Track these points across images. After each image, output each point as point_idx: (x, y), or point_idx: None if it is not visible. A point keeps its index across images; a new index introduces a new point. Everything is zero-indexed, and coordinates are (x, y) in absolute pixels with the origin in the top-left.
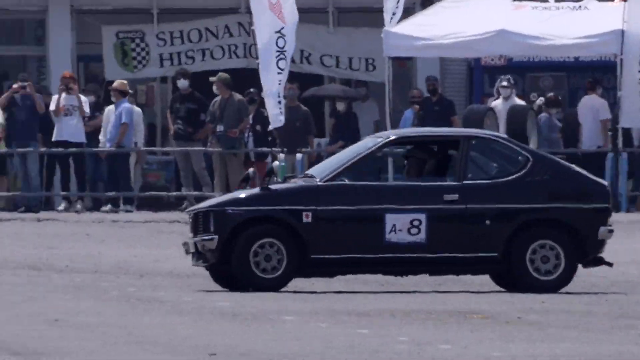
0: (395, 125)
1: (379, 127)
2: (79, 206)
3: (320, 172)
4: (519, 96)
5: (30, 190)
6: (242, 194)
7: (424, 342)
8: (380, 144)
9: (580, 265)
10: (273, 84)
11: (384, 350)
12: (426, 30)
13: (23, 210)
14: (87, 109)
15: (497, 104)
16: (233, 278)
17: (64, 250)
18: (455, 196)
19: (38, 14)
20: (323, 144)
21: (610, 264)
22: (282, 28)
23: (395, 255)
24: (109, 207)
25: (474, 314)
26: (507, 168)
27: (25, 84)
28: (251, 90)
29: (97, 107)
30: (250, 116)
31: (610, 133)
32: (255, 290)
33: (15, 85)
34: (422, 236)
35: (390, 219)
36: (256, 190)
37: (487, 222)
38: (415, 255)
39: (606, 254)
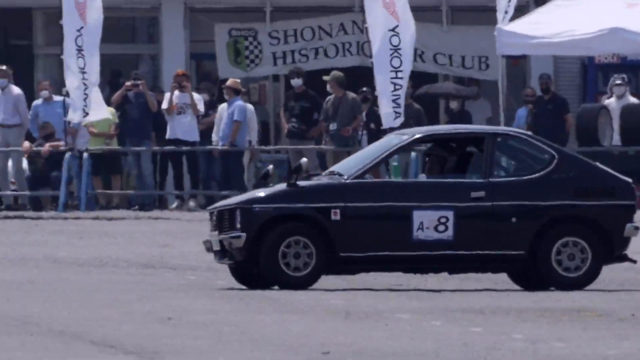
0: (508, 123)
1: (491, 124)
2: (192, 204)
3: (347, 169)
4: (633, 94)
5: (143, 188)
6: (269, 191)
7: (538, 340)
8: (406, 141)
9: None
10: (386, 82)
11: (498, 348)
12: (540, 28)
13: (136, 209)
14: (201, 107)
15: (610, 102)
16: (255, 276)
17: (177, 248)
18: (481, 193)
19: (151, 12)
20: None
21: (634, 261)
22: (396, 26)
23: (423, 253)
24: None
25: (587, 312)
26: (533, 165)
27: (138, 82)
28: (365, 88)
29: (211, 105)
30: (364, 114)
31: None
32: (282, 289)
33: (128, 84)
34: (449, 233)
35: (417, 216)
36: (283, 186)
37: (514, 219)
38: (442, 252)
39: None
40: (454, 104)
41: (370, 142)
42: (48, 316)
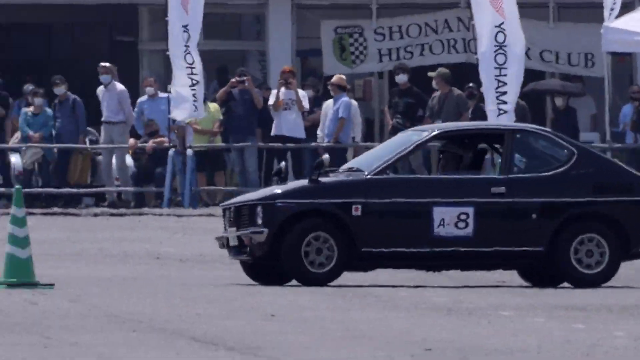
0: (613, 120)
1: (596, 121)
2: None
3: (367, 165)
4: None
5: (247, 185)
6: (291, 187)
7: None
8: (425, 137)
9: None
10: (491, 79)
11: (601, 344)
12: None
13: None
14: (306, 104)
15: None
16: (268, 272)
17: None
18: (502, 189)
19: (258, 8)
20: None
21: None
22: (502, 23)
23: (443, 250)
24: None
25: None
26: (552, 162)
27: (244, 78)
28: (470, 85)
29: (316, 102)
30: (469, 111)
31: None
32: (305, 285)
33: (233, 80)
34: (469, 230)
35: (438, 213)
36: (304, 182)
37: (534, 216)
38: (462, 249)
39: None
40: (559, 101)
41: None
42: (151, 312)
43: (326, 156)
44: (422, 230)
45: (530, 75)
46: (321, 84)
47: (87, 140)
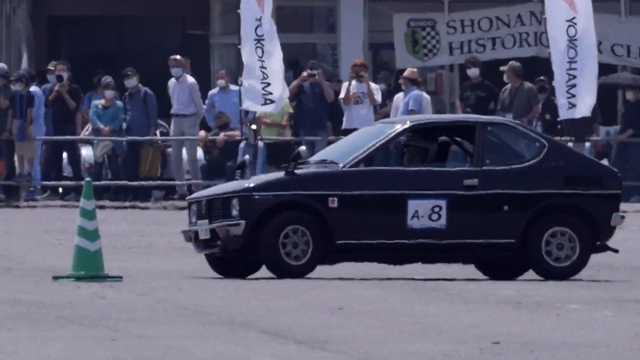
0: None
1: None
2: None
3: (339, 157)
4: None
5: None
6: (268, 179)
7: None
8: (399, 130)
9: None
10: (562, 73)
11: None
12: None
13: None
14: (378, 97)
15: None
16: (233, 265)
17: None
18: (475, 181)
19: (330, 1)
20: (612, 133)
21: (616, 250)
22: (574, 17)
23: (417, 242)
24: None
25: None
26: (523, 154)
27: (315, 72)
28: (542, 78)
29: (388, 95)
30: (540, 104)
31: None
32: (281, 277)
33: (304, 73)
34: (442, 222)
35: (412, 205)
36: (281, 175)
37: (506, 208)
38: (436, 241)
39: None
40: (630, 95)
41: (545, 132)
42: (220, 305)
43: (303, 148)
44: (396, 222)
45: (602, 69)
46: (393, 77)
47: (157, 132)
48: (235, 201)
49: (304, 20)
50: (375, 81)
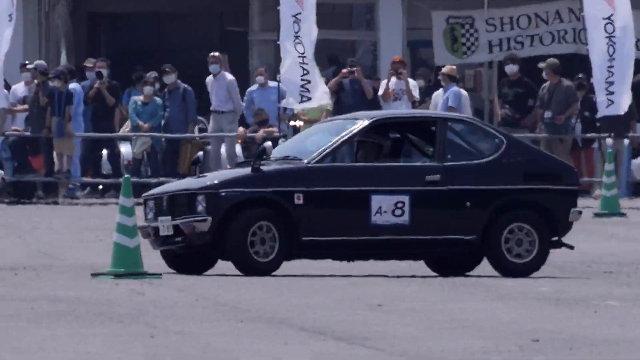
0: None
1: None
2: None
3: (300, 152)
4: None
5: None
6: (233, 175)
7: None
8: (362, 125)
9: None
10: (601, 71)
11: None
12: None
13: None
14: (416, 94)
15: None
16: (188, 262)
17: None
18: (437, 177)
19: None
20: None
21: (571, 247)
22: (612, 14)
23: (381, 238)
24: None
25: None
26: (483, 150)
27: (354, 69)
28: (580, 75)
29: (427, 92)
30: (579, 101)
31: None
32: (248, 275)
33: (344, 70)
34: (405, 218)
35: (375, 201)
36: (247, 171)
37: (468, 203)
38: (399, 237)
39: None
40: None
41: (584, 130)
42: (259, 302)
43: (268, 144)
44: (360, 218)
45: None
46: (432, 74)
47: (196, 129)
48: (201, 197)
49: (342, 17)
50: (414, 78)
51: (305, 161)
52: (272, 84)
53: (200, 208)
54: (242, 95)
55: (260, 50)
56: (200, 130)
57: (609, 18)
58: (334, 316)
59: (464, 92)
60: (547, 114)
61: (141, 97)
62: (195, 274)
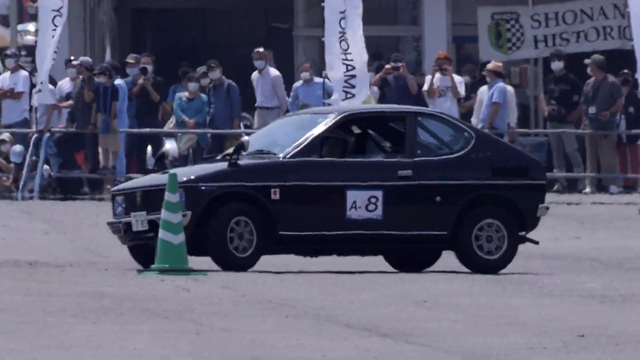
0: None
1: None
2: None
3: (272, 147)
4: None
5: None
6: (211, 170)
7: None
8: (334, 119)
9: None
10: None
11: None
12: None
13: None
14: (461, 90)
15: None
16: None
17: None
18: (409, 172)
19: None
20: None
21: (536, 242)
22: None
23: (356, 233)
24: None
25: None
26: (452, 145)
27: (399, 64)
28: (625, 71)
29: (473, 88)
30: (623, 97)
31: None
32: (227, 270)
33: (388, 66)
34: (379, 213)
35: (350, 196)
36: (224, 165)
37: (438, 199)
38: (373, 232)
39: None
40: None
41: (629, 126)
42: (304, 298)
43: (246, 138)
44: (336, 213)
45: None
46: (477, 71)
47: (241, 125)
48: (180, 192)
49: (387, 13)
50: (460, 73)
51: (281, 156)
52: (317, 80)
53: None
54: (288, 91)
55: (305, 46)
56: (246, 127)
57: None
58: (380, 312)
59: (510, 88)
60: (592, 110)
61: (186, 93)
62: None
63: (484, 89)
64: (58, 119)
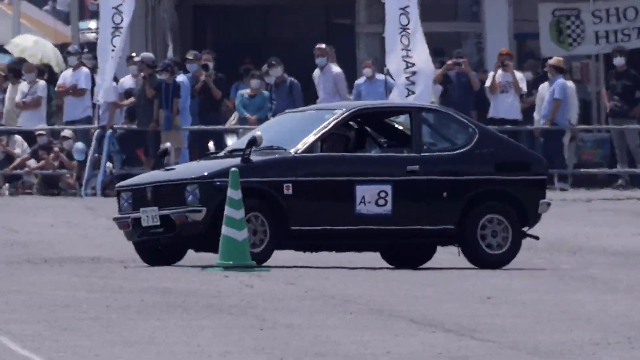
0: None
1: None
2: None
3: (281, 143)
4: None
5: None
6: (223, 166)
7: None
8: (343, 115)
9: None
10: None
11: None
12: None
13: None
14: (523, 86)
15: None
16: (160, 254)
17: None
18: (416, 167)
19: None
20: None
21: (537, 237)
22: None
23: (365, 228)
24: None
25: None
26: (456, 140)
27: (461, 60)
28: None
29: (534, 85)
30: None
31: None
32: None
33: (450, 62)
34: (388, 208)
35: (360, 191)
36: (237, 161)
37: (445, 194)
38: (382, 227)
39: None
40: None
41: None
42: (367, 294)
43: (258, 133)
44: (345, 208)
45: None
46: (539, 66)
47: None
48: (193, 187)
49: (448, 9)
50: (521, 69)
51: (292, 151)
52: (379, 76)
53: (191, 198)
54: (350, 88)
55: (367, 42)
56: None
57: None
58: (444, 308)
59: (570, 84)
60: None
61: (248, 90)
62: (165, 265)
63: (545, 85)
64: (120, 116)
